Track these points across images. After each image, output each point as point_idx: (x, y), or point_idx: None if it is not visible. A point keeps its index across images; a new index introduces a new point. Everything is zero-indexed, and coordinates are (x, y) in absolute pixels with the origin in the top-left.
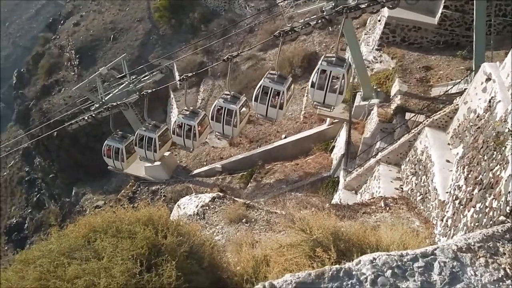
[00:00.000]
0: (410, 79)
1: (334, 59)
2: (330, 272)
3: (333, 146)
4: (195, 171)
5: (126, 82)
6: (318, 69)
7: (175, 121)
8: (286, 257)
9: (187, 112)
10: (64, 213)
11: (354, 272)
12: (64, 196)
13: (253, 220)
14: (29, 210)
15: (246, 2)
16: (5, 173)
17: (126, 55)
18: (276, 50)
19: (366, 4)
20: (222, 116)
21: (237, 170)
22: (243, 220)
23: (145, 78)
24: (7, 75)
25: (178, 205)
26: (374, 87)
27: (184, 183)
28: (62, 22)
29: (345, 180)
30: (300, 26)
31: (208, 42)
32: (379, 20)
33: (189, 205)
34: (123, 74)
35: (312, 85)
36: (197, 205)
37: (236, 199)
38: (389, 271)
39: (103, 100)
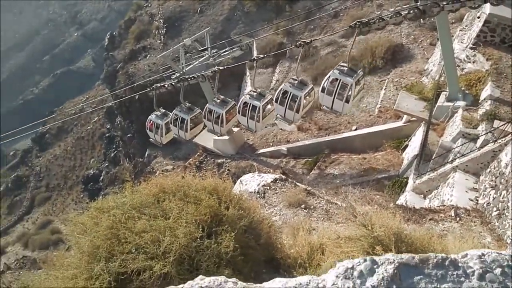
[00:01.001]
0: (504, 84)
1: (345, 69)
2: (435, 260)
3: (406, 145)
4: (261, 151)
5: (207, 55)
6: (329, 76)
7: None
8: (342, 249)
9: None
10: (136, 172)
11: (460, 264)
12: (138, 156)
13: (312, 207)
14: (106, 164)
15: None
16: (88, 127)
17: (209, 29)
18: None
19: None
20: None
21: (302, 155)
22: (302, 206)
23: (225, 53)
24: (101, 36)
25: (240, 180)
26: (462, 88)
27: (249, 160)
28: None
29: (414, 182)
30: (390, 15)
31: (290, 23)
32: (478, 17)
33: (251, 182)
34: (204, 47)
35: (322, 90)
36: (259, 184)
37: (297, 183)
38: (499, 269)
39: (184, 70)
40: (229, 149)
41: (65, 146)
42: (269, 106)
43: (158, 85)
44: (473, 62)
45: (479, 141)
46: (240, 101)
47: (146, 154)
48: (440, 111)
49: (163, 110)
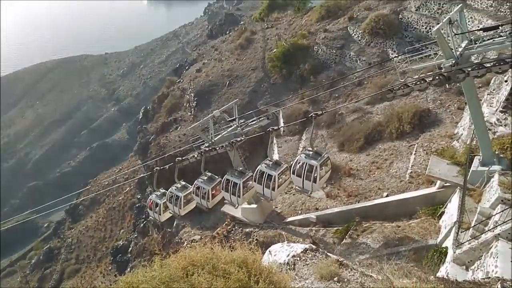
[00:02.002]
0: None
1: (311, 153)
2: None
3: (442, 212)
4: (289, 219)
5: (235, 125)
6: (297, 160)
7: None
8: None
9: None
10: (164, 242)
11: None
12: (167, 227)
13: (345, 280)
14: (135, 235)
15: (358, 56)
16: (120, 198)
17: (237, 100)
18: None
19: (492, 63)
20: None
21: (332, 224)
22: (334, 279)
23: (252, 123)
24: (136, 111)
25: (269, 251)
26: (496, 152)
27: (277, 229)
28: (186, 67)
29: (454, 252)
30: (414, 82)
31: (315, 92)
32: (506, 81)
33: (280, 253)
34: (233, 118)
35: (293, 173)
36: (288, 254)
37: (329, 254)
38: None
39: (213, 140)
40: (257, 217)
41: (96, 217)
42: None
43: (180, 158)
44: (505, 125)
45: None
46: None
47: (174, 224)
48: (475, 176)
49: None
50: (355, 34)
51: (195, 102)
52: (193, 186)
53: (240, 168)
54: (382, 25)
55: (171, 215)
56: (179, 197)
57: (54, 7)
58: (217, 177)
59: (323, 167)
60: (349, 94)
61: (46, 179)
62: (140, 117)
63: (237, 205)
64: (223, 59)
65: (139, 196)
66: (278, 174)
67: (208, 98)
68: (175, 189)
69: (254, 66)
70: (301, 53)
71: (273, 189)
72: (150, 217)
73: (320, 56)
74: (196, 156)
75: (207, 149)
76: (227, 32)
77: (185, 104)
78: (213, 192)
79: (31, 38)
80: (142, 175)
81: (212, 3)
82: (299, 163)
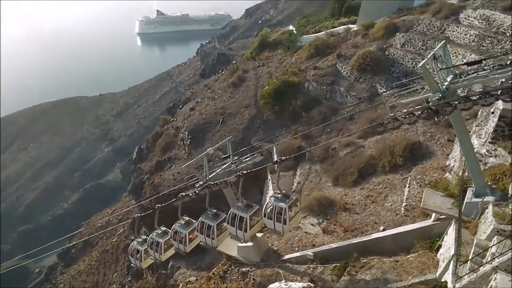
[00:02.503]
0: None
1: (280, 195)
2: None
3: (440, 245)
4: (286, 256)
5: (229, 163)
6: (267, 204)
7: (266, 202)
8: None
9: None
10: (159, 285)
11: None
12: (161, 268)
13: None
14: (128, 279)
15: (348, 91)
16: (113, 240)
17: (231, 138)
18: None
19: (478, 96)
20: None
21: (330, 260)
22: None
23: (246, 160)
24: (130, 151)
25: None
26: (489, 183)
27: (274, 268)
28: (180, 106)
29: (454, 286)
30: (403, 116)
31: (307, 128)
32: (493, 112)
33: None
34: (226, 155)
35: (264, 215)
36: None
37: None
38: None
39: (207, 178)
40: (254, 256)
41: (89, 260)
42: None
43: (184, 193)
44: (495, 156)
45: None
46: (265, 204)
47: (169, 265)
48: (469, 208)
49: (215, 211)
50: (344, 71)
51: (189, 140)
52: (171, 230)
53: (215, 211)
54: (369, 62)
55: (152, 261)
56: (159, 243)
57: (47, 52)
58: (194, 221)
59: (292, 208)
60: (341, 128)
61: (38, 223)
62: (134, 156)
63: (212, 247)
64: (216, 97)
65: (133, 237)
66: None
67: (202, 136)
68: (156, 235)
69: (247, 103)
70: (292, 90)
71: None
72: (132, 264)
73: (311, 92)
74: (191, 194)
75: (200, 188)
76: (220, 71)
77: (179, 143)
78: (190, 236)
79: (28, 81)
80: (134, 216)
81: (204, 43)
82: (269, 206)
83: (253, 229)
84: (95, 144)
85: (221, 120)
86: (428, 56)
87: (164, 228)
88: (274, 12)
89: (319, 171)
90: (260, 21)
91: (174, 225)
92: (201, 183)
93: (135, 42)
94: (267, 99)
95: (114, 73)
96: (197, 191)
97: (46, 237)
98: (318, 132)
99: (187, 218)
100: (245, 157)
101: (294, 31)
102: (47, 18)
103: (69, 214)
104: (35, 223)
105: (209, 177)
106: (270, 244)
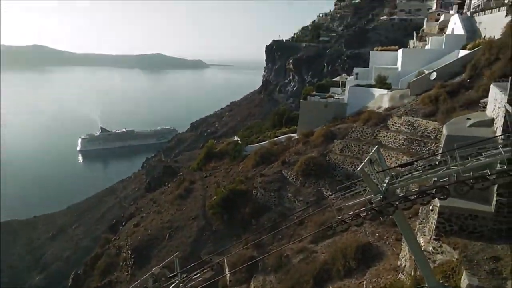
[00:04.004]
0: (479, 271)
1: None
2: None
3: None
4: None
5: (177, 281)
6: None
7: None
8: None
9: None
10: None
11: None
12: None
13: None
14: None
15: (295, 196)
16: None
17: (179, 253)
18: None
19: (415, 196)
20: None
21: None
22: None
23: (195, 276)
24: (65, 276)
25: None
26: (441, 281)
27: None
28: (123, 223)
29: None
30: (350, 218)
31: (258, 236)
32: (432, 210)
33: None
34: (174, 273)
35: None
36: None
37: None
38: None
39: None
40: None
41: None
42: None
43: None
44: (441, 252)
45: None
46: None
47: None
48: None
49: None
50: (289, 177)
51: (132, 260)
52: None
53: None
54: (312, 167)
55: None
56: None
57: None
58: None
59: None
60: (291, 234)
61: None
62: (70, 283)
63: None
64: (162, 211)
65: None
66: None
67: (147, 253)
68: None
69: (195, 214)
70: (240, 198)
71: None
72: None
73: (260, 199)
74: None
75: None
76: (166, 184)
77: (121, 263)
78: None
79: None
80: None
81: (150, 157)
82: None
83: None
84: (24, 273)
85: (167, 234)
86: (365, 160)
87: None
88: (218, 125)
89: (274, 282)
90: (205, 133)
91: None
92: None
93: (76, 160)
94: (215, 209)
95: (51, 194)
96: None
97: None
98: (269, 239)
99: None
100: (194, 273)
101: (239, 141)
102: None
103: None
104: None
105: None
106: None
